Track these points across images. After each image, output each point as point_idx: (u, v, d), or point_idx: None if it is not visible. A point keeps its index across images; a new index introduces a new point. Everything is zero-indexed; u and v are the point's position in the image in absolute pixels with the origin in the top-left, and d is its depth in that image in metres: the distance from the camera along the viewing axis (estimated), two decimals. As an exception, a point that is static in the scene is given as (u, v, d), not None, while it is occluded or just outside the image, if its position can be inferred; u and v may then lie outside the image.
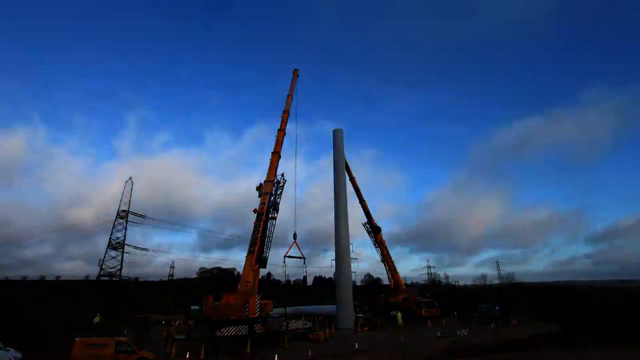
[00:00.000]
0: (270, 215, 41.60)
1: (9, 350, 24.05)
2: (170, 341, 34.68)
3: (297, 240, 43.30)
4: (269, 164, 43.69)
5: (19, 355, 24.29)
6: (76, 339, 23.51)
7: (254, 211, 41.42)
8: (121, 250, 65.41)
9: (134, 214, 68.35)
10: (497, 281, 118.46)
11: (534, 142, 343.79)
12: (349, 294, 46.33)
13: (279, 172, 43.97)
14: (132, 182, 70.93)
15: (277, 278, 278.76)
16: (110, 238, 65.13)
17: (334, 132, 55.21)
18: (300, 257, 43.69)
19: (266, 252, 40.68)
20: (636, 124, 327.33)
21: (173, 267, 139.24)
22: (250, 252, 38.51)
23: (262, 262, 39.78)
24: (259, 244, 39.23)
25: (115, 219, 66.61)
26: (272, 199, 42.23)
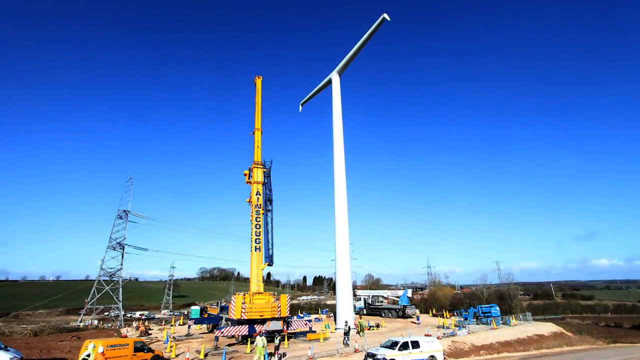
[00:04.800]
0: (266, 209, 40.71)
1: (8, 351, 24.08)
2: (171, 340, 34.78)
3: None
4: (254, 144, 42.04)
5: (19, 355, 24.32)
6: (92, 340, 23.53)
7: (248, 201, 40.44)
8: (121, 250, 65.20)
9: (134, 214, 68.20)
10: (497, 281, 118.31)
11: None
12: (349, 294, 46.35)
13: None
14: (132, 182, 70.74)
15: (276, 278, 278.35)
16: (110, 238, 64.93)
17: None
18: None
19: (271, 248, 40.01)
20: None
21: (173, 267, 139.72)
22: (256, 249, 37.93)
23: (269, 259, 39.37)
24: (262, 240, 38.54)
25: (115, 219, 66.41)
26: (264, 191, 40.92)
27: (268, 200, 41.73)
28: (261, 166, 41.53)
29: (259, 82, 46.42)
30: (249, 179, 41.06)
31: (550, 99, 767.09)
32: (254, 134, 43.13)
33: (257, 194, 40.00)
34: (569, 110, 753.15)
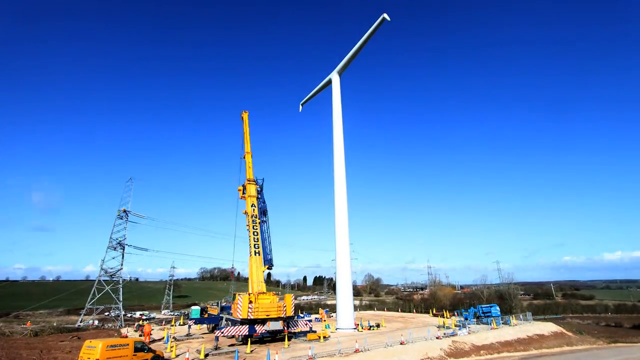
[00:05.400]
0: (261, 219, 43.42)
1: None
2: (171, 341, 34.80)
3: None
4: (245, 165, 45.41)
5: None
6: (91, 340, 23.57)
7: (244, 212, 42.93)
8: (121, 250, 65.14)
9: (134, 214, 68.18)
10: (497, 281, 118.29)
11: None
12: (349, 294, 46.38)
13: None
14: (132, 182, 70.70)
15: (276, 278, 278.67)
16: (111, 238, 64.90)
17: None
18: None
19: (269, 253, 42.71)
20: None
21: (174, 267, 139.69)
22: (255, 253, 39.97)
23: (269, 263, 42.24)
24: (260, 246, 41.09)
25: (116, 219, 66.36)
26: (259, 203, 44.21)
27: (262, 212, 44.40)
28: (254, 182, 44.20)
29: (245, 116, 48.51)
30: (242, 194, 43.87)
31: (551, 96, 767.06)
32: (244, 157, 45.59)
33: (252, 206, 42.33)
34: (569, 108, 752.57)
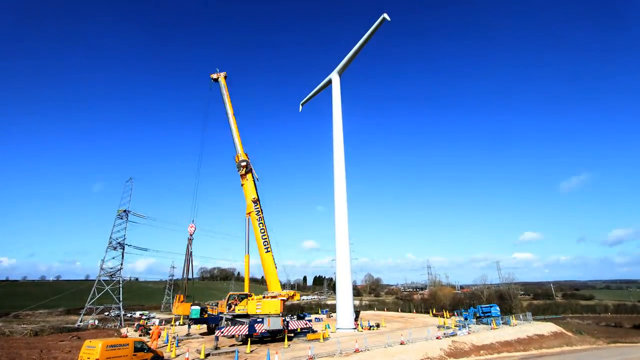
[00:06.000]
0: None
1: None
2: (171, 340, 34.77)
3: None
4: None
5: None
6: (91, 340, 23.57)
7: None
8: (121, 250, 65.20)
9: (134, 214, 68.25)
10: (497, 281, 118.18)
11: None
12: (349, 294, 46.38)
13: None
14: (132, 182, 70.80)
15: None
16: (111, 238, 64.94)
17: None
18: None
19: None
20: None
21: (173, 267, 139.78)
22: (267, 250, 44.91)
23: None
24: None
25: (116, 219, 66.44)
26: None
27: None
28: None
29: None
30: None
31: (551, 93, 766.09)
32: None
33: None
34: (569, 107, 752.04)
